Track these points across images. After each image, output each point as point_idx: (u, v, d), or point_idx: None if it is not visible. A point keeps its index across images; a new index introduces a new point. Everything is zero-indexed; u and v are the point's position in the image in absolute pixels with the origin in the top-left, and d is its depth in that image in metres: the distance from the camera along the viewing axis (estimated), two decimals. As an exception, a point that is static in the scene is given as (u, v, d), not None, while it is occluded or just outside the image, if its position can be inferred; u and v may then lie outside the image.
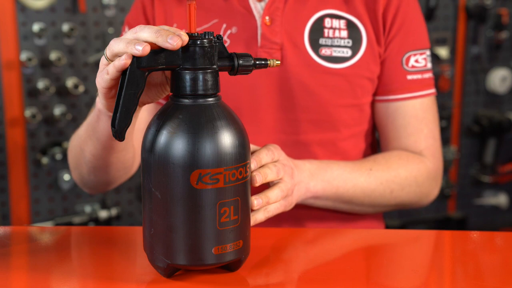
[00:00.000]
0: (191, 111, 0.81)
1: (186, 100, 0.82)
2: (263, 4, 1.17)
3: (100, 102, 0.96)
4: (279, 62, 0.90)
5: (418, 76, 1.20)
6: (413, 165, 1.18)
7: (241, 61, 0.85)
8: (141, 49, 0.79)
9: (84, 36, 2.46)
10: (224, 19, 1.17)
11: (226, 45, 1.16)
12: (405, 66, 1.19)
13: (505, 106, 3.08)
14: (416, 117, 1.20)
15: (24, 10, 2.36)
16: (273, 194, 0.97)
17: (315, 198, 1.09)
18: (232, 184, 0.81)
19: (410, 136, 1.20)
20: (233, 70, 0.86)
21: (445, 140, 3.00)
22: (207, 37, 0.82)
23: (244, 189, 0.84)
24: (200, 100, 0.82)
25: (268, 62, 0.89)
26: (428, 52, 1.23)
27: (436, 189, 1.25)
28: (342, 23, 1.17)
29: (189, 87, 0.82)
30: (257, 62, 0.88)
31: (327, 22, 1.17)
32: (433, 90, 1.23)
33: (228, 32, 1.17)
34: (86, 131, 1.11)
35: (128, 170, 1.19)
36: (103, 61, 0.87)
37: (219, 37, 0.84)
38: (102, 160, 1.12)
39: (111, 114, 0.92)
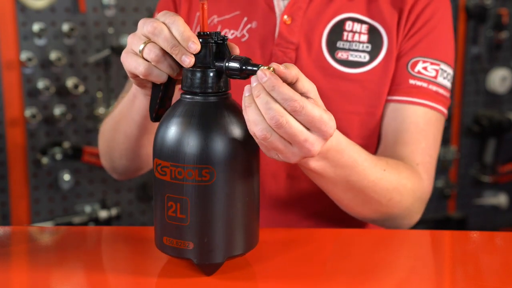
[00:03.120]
0: (180, 105, 0.84)
1: (184, 95, 0.85)
2: (285, 2, 1.15)
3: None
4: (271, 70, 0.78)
5: (423, 84, 1.13)
6: (415, 179, 1.09)
7: (228, 64, 0.82)
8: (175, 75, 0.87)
9: (84, 36, 2.46)
10: (245, 13, 1.16)
11: (244, 39, 1.15)
12: (409, 70, 1.13)
13: (505, 106, 3.09)
14: (417, 126, 1.12)
15: (24, 10, 2.36)
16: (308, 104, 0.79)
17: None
18: (178, 182, 0.81)
19: (407, 144, 1.12)
20: (224, 72, 0.84)
21: (445, 140, 3.01)
22: (208, 37, 0.83)
23: (196, 192, 0.81)
24: (195, 96, 0.84)
25: (258, 70, 0.79)
26: (444, 67, 1.14)
27: (420, 213, 1.14)
28: (364, 27, 1.13)
29: (185, 83, 0.85)
30: (247, 68, 0.82)
31: (348, 25, 1.13)
32: (441, 108, 1.14)
33: (248, 26, 1.15)
34: (120, 112, 1.12)
35: None
36: (135, 46, 0.88)
37: (223, 38, 0.84)
38: (135, 141, 1.13)
39: (144, 91, 0.97)
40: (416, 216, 1.13)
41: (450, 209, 3.12)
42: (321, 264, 0.93)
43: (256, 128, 0.79)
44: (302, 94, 0.80)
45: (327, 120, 0.80)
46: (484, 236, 1.07)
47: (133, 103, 1.05)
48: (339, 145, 0.93)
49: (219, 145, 0.80)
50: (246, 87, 0.80)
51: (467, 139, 3.08)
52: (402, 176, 1.06)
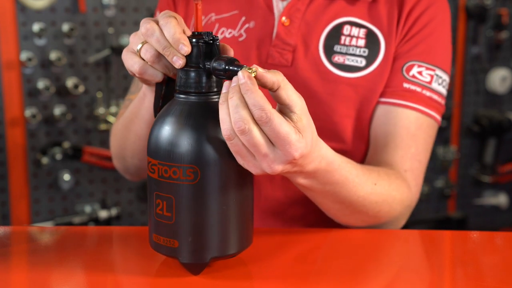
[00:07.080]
0: (172, 105, 0.85)
1: (177, 95, 0.85)
2: (284, 3, 1.14)
3: None
4: (253, 74, 0.78)
5: (416, 89, 1.12)
6: (404, 189, 1.08)
7: (213, 64, 0.82)
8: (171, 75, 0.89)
9: (84, 36, 2.46)
10: (244, 12, 1.16)
11: (241, 39, 1.14)
12: (404, 73, 1.12)
13: (505, 106, 3.08)
14: (408, 130, 1.11)
15: (24, 10, 2.36)
16: (280, 120, 0.77)
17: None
18: (164, 180, 0.82)
19: (397, 148, 1.11)
20: (212, 73, 0.84)
21: (445, 140, 3.01)
22: (200, 37, 0.83)
23: (180, 191, 0.81)
24: (187, 96, 0.84)
25: (240, 71, 0.78)
26: (439, 73, 1.14)
27: (406, 219, 1.14)
28: (362, 32, 1.12)
29: (178, 82, 0.85)
30: (230, 68, 0.81)
31: (346, 29, 1.12)
32: (434, 114, 1.14)
33: (246, 26, 1.15)
34: (131, 112, 1.12)
35: None
36: (134, 45, 0.90)
37: (213, 38, 0.84)
38: (146, 141, 1.12)
39: (152, 88, 0.97)
40: (402, 222, 1.14)
41: (450, 209, 3.12)
42: (317, 264, 0.93)
43: (222, 126, 0.79)
44: (286, 105, 0.80)
45: (294, 141, 0.78)
46: (484, 236, 1.07)
47: (143, 101, 1.05)
48: (329, 166, 0.91)
49: (202, 145, 0.80)
50: (225, 84, 0.80)
51: (467, 139, 3.08)
52: (392, 187, 1.05)
